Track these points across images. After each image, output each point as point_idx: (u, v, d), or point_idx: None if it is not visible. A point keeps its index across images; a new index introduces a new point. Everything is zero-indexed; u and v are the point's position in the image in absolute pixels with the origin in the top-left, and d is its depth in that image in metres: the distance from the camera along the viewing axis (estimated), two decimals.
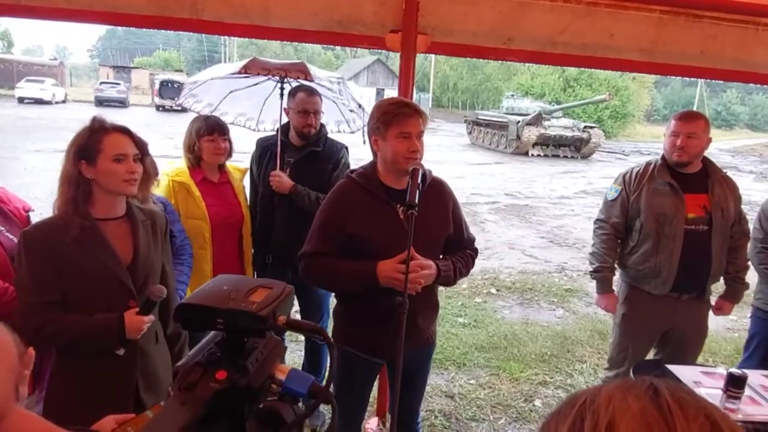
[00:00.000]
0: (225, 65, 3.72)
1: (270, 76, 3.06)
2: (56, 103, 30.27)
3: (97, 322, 1.73)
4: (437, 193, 2.16)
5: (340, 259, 2.03)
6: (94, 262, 1.74)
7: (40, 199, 7.61)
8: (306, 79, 2.92)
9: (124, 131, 1.81)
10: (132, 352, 1.81)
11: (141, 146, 1.84)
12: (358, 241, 2.01)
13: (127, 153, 1.77)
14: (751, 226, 2.99)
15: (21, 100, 28.94)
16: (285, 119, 3.03)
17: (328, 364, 3.42)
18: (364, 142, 3.37)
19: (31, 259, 1.70)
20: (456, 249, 2.20)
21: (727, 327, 5.17)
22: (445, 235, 2.15)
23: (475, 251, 2.29)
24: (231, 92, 3.37)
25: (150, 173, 1.94)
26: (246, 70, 2.91)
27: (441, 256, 2.14)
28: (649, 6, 2.79)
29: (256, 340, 0.95)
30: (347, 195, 2.09)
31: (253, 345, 0.94)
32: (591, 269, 3.01)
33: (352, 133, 3.45)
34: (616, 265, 3.00)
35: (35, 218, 2.29)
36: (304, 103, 2.89)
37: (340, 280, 2.07)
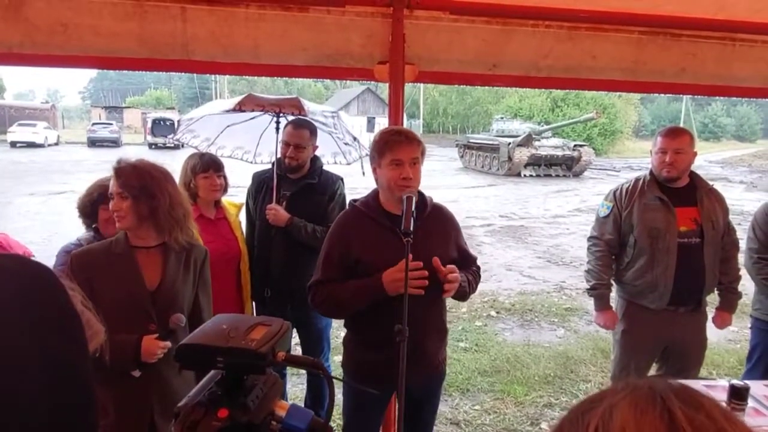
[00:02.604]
0: (220, 102, 3.76)
1: (265, 112, 3.12)
2: (49, 145, 30.39)
3: (115, 341, 1.79)
4: (438, 219, 2.19)
5: (344, 282, 2.06)
6: (119, 286, 1.87)
7: (36, 243, 7.60)
8: (300, 114, 2.97)
9: (116, 172, 1.89)
10: (149, 376, 1.87)
11: (126, 186, 1.87)
12: (362, 267, 2.03)
13: (110, 192, 1.90)
14: (745, 236, 3.02)
15: (13, 144, 29.02)
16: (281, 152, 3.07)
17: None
18: (364, 174, 3.41)
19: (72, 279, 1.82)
20: (462, 268, 2.19)
21: (729, 339, 5.15)
22: (448, 260, 2.14)
23: (479, 268, 2.32)
24: (228, 126, 3.41)
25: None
26: (241, 107, 2.95)
27: None
28: (628, 27, 2.87)
29: (256, 378, 0.96)
30: (350, 222, 2.13)
31: (253, 382, 0.95)
32: (588, 287, 3.03)
33: (348, 164, 3.50)
34: (612, 282, 3.01)
35: None
36: (287, 135, 2.98)
37: (345, 301, 2.06)
